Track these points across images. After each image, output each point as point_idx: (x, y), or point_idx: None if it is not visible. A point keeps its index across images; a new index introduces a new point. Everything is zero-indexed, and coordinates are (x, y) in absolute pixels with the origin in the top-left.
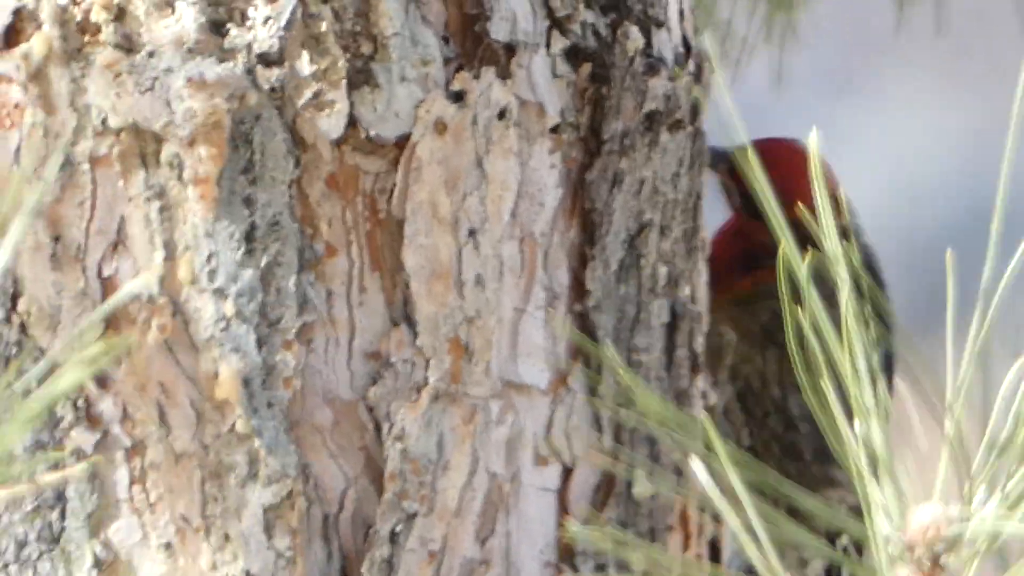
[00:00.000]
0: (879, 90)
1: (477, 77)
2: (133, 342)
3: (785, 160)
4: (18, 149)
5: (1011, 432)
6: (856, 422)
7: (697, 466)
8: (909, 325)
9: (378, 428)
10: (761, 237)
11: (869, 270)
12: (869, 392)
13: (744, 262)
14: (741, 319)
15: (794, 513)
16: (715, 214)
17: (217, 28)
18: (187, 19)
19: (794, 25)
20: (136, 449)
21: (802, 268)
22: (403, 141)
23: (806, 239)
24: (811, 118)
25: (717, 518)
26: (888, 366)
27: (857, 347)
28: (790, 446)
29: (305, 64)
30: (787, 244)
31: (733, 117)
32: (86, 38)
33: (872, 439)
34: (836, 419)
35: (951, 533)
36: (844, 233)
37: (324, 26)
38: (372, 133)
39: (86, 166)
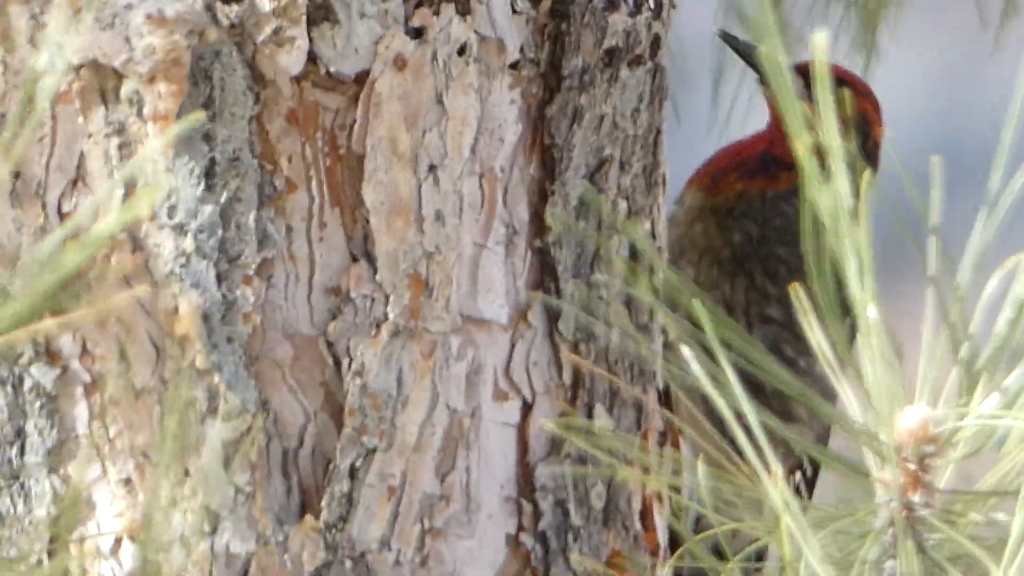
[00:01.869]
0: None
1: (437, 13)
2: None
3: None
4: None
5: (1007, 332)
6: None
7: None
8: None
9: (338, 363)
10: (781, 149)
11: None
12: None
13: (754, 165)
14: (714, 239)
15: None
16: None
17: None
18: None
19: None
20: (95, 384)
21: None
22: (363, 77)
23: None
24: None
25: (676, 458)
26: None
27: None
28: (751, 379)
29: (265, 0)
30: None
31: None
32: None
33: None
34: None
35: (939, 433)
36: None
37: None
38: (332, 69)
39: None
